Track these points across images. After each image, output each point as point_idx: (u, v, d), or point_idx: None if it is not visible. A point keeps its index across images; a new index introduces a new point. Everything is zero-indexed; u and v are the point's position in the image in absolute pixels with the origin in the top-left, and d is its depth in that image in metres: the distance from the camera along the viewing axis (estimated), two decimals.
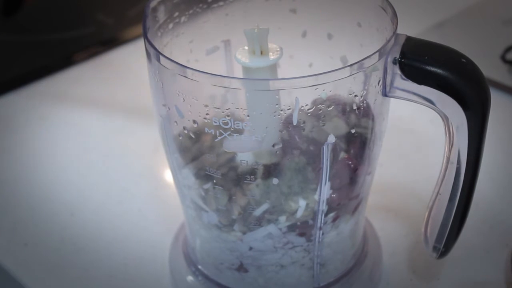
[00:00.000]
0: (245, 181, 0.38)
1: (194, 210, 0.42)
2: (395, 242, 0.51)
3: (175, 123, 0.39)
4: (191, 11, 0.42)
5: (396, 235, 0.52)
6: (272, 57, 0.39)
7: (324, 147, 0.37)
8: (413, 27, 0.72)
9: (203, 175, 0.39)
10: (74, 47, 0.77)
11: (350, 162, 0.39)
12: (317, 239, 0.41)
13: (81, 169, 0.60)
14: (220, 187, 0.39)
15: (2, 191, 0.58)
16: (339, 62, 0.43)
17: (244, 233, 0.41)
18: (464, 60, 0.36)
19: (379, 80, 0.37)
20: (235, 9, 0.44)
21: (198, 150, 0.39)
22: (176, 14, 0.42)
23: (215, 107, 0.36)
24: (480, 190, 0.41)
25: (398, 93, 0.37)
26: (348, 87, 0.36)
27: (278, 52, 0.39)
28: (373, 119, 0.39)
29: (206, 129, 0.36)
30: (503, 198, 0.56)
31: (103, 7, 0.86)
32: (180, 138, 0.39)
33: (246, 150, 0.38)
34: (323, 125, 0.37)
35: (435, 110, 0.38)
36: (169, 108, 0.39)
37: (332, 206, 0.40)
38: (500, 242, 0.51)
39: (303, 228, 0.40)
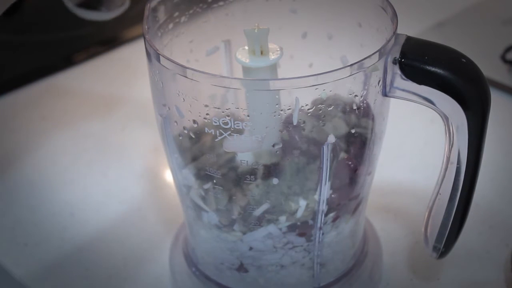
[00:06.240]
0: (245, 181, 0.38)
1: (194, 210, 0.42)
2: (395, 242, 0.51)
3: (175, 123, 0.39)
4: (191, 11, 0.42)
5: (396, 235, 0.52)
6: (272, 57, 0.39)
7: (324, 147, 0.37)
8: (413, 27, 0.72)
9: (203, 175, 0.39)
10: (74, 47, 0.77)
11: (350, 162, 0.39)
12: (317, 239, 0.41)
13: (81, 169, 0.60)
14: (220, 187, 0.39)
15: (2, 191, 0.58)
16: (339, 62, 0.43)
17: (244, 233, 0.41)
18: (464, 60, 0.36)
19: (379, 80, 0.37)
20: (235, 9, 0.44)
21: (198, 150, 0.39)
22: (176, 14, 0.42)
23: (215, 107, 0.36)
24: (480, 190, 0.41)
25: (398, 93, 0.37)
26: (348, 87, 0.36)
27: (278, 52, 0.39)
28: (373, 119, 0.39)
29: (206, 129, 0.36)
30: (503, 198, 0.56)
31: None
32: (180, 138, 0.39)
33: (246, 150, 0.37)
34: (323, 125, 0.37)
35: (435, 110, 0.38)
36: (169, 108, 0.39)
37: (332, 206, 0.40)
38: (500, 242, 0.51)
39: (303, 228, 0.40)
